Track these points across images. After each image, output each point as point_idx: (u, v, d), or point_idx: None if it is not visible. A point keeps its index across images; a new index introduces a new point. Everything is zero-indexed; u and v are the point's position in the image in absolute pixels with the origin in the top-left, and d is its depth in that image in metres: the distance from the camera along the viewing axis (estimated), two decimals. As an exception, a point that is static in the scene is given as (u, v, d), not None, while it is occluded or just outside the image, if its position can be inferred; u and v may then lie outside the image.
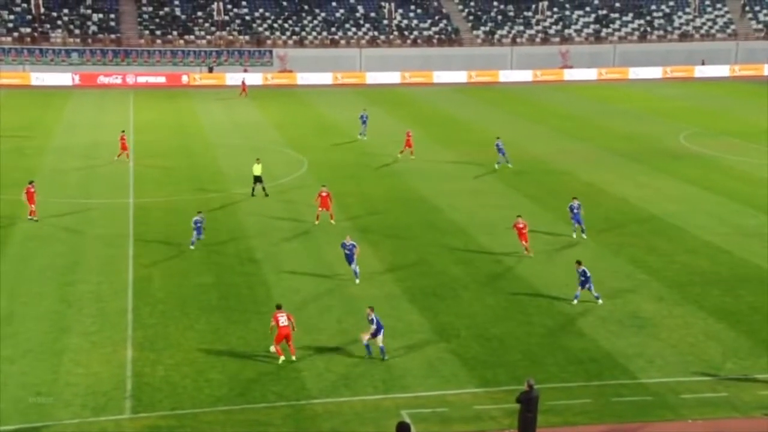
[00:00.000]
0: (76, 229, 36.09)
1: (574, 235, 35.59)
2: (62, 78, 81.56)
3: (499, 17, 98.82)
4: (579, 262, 29.05)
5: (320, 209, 36.80)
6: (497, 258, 33.24)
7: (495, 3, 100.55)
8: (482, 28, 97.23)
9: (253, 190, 41.46)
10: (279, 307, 24.69)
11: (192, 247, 33.57)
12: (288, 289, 29.31)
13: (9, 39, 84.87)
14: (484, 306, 28.53)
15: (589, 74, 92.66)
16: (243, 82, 78.74)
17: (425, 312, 27.94)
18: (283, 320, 24.09)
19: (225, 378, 23.13)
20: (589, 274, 28.50)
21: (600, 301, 28.68)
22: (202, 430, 20.69)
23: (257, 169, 41.56)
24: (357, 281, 30.17)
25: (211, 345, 25.09)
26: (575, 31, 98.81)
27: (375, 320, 24.37)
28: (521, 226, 33.02)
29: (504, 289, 30.04)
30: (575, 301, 28.67)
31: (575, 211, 35.50)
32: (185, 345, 25.04)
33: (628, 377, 23.60)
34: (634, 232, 36.81)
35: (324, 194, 36.80)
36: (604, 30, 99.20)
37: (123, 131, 50.48)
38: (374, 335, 24.44)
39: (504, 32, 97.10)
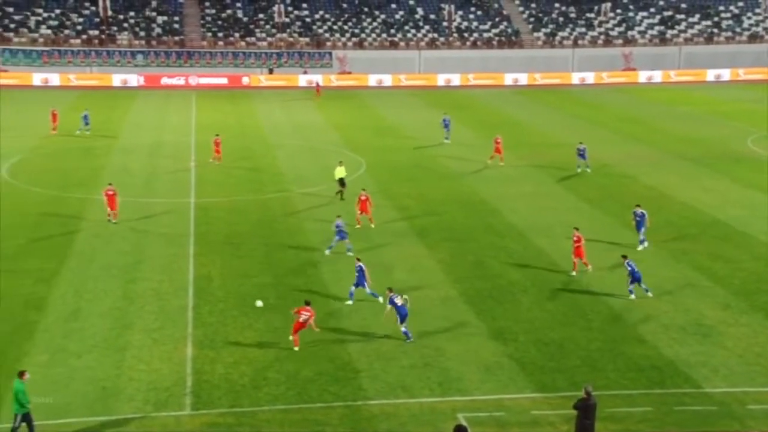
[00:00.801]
0: (139, 228, 36.78)
1: (643, 245, 34.45)
2: (128, 79, 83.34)
3: (561, 19, 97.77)
4: (624, 257, 29.49)
5: (360, 213, 36.86)
6: (556, 262, 32.81)
7: (557, 5, 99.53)
8: (543, 30, 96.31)
9: (341, 193, 41.51)
10: (307, 303, 25.35)
11: (328, 252, 33.01)
12: (345, 290, 29.36)
13: (78, 41, 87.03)
14: (543, 310, 28.21)
15: (654, 76, 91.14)
16: (317, 85, 79.70)
17: (482, 315, 27.75)
18: (304, 317, 24.83)
19: (283, 377, 23.30)
20: (634, 270, 28.85)
21: (649, 294, 28.86)
22: (260, 429, 20.87)
23: (340, 172, 41.96)
24: (381, 299, 27.86)
25: (270, 344, 25.29)
26: (639, 32, 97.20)
27: (391, 301, 25.55)
28: (575, 239, 31.57)
29: (563, 294, 29.66)
30: (632, 296, 28.92)
31: (638, 219, 34.73)
32: (244, 344, 25.30)
33: (692, 386, 23.07)
34: (698, 238, 36.01)
35: (363, 198, 36.83)
36: (669, 32, 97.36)
37: (217, 134, 50.48)
38: (400, 321, 25.50)
39: (565, 34, 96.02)
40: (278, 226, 37.33)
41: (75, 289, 29.43)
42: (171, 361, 24.08)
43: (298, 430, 20.80)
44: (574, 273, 31.43)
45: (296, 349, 24.86)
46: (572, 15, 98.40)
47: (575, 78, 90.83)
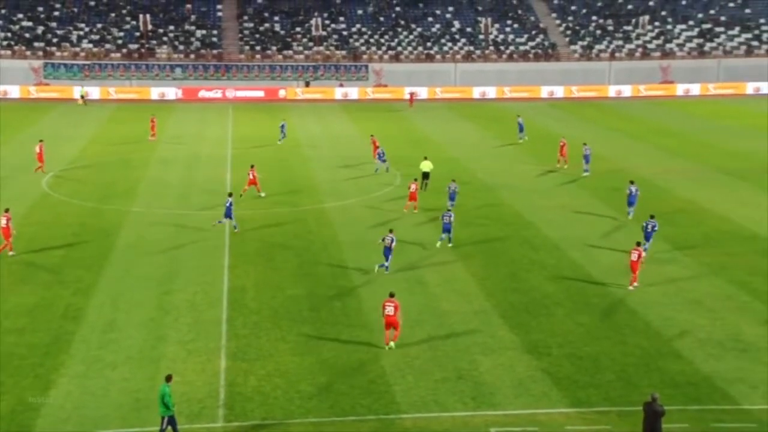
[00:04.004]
0: (175, 239, 37.13)
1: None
2: (166, 92, 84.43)
3: (598, 32, 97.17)
4: (652, 216, 35.09)
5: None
6: (591, 275, 32.54)
7: (594, 17, 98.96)
8: (580, 42, 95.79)
9: (424, 185, 44.70)
10: (391, 295, 26.05)
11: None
12: (379, 303, 29.28)
13: (118, 55, 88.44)
14: (577, 324, 27.95)
15: (692, 89, 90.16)
16: (411, 95, 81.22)
17: (516, 329, 27.57)
18: (389, 309, 25.51)
19: (315, 390, 23.32)
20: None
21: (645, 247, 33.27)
22: (291, 441, 20.90)
23: (426, 165, 45.77)
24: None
25: (303, 356, 25.35)
26: (677, 45, 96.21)
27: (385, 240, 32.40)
28: (637, 253, 31.05)
29: (598, 308, 29.38)
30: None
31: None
32: (277, 356, 25.39)
33: (730, 403, 22.68)
34: (737, 252, 35.47)
35: (413, 189, 41.39)
36: (708, 44, 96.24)
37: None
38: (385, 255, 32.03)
39: (602, 47, 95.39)
40: (312, 238, 37.47)
41: (112, 300, 29.77)
42: (204, 373, 24.22)
43: (330, 443, 20.81)
44: (631, 288, 31.09)
45: (387, 347, 25.52)
46: (609, 28, 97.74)
47: (612, 91, 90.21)
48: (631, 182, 41.52)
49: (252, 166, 44.78)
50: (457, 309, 29.18)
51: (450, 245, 36.01)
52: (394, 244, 32.50)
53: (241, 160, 54.01)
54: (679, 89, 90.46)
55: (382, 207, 42.92)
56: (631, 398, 22.74)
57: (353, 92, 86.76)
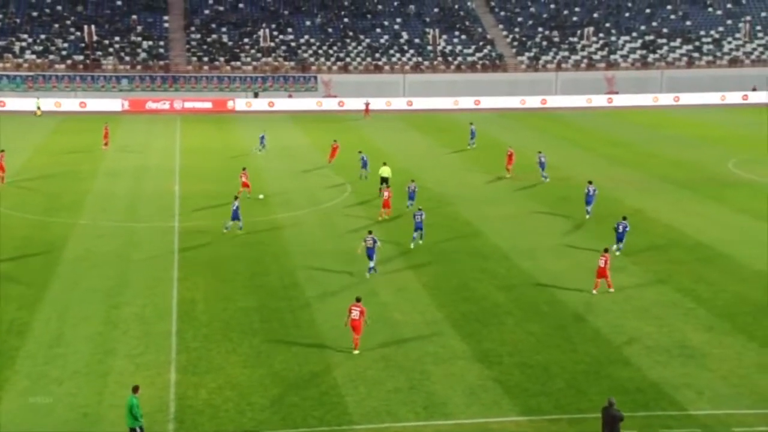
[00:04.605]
0: (123, 252, 36.59)
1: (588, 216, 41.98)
2: (112, 104, 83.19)
3: (544, 43, 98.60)
4: (624, 218, 36.86)
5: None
6: (541, 284, 32.90)
7: (540, 29, 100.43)
8: (527, 54, 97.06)
9: (381, 191, 44.90)
10: (358, 300, 26.49)
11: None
12: (331, 313, 29.30)
13: (63, 66, 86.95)
14: (527, 333, 28.22)
15: (637, 100, 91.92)
16: (366, 105, 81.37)
17: (467, 338, 27.72)
18: (354, 313, 25.88)
19: (267, 402, 23.16)
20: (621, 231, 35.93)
21: (617, 253, 35.53)
22: (243, 454, 20.71)
23: (385, 171, 46.42)
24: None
25: (254, 369, 25.16)
26: (621, 56, 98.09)
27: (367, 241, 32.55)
28: (604, 259, 31.56)
29: (548, 316, 29.70)
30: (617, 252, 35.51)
31: (590, 194, 41.81)
32: (228, 368, 25.15)
33: (676, 408, 23.09)
34: (682, 260, 36.19)
35: (386, 196, 42.40)
36: (651, 56, 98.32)
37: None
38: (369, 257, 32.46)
39: (549, 58, 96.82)
40: (264, 249, 37.24)
41: (58, 315, 29.19)
42: (154, 387, 23.87)
43: (283, 456, 20.67)
44: (612, 290, 31.82)
45: (356, 352, 25.81)
46: (555, 39, 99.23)
47: (558, 101, 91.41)
48: (590, 182, 43.13)
49: (243, 169, 46.27)
50: (408, 319, 29.24)
51: (421, 242, 37.39)
52: (377, 244, 33.03)
53: (190, 172, 53.52)
54: (625, 99, 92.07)
55: (333, 217, 42.86)
56: (581, 405, 23.04)
57: (302, 103, 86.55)
